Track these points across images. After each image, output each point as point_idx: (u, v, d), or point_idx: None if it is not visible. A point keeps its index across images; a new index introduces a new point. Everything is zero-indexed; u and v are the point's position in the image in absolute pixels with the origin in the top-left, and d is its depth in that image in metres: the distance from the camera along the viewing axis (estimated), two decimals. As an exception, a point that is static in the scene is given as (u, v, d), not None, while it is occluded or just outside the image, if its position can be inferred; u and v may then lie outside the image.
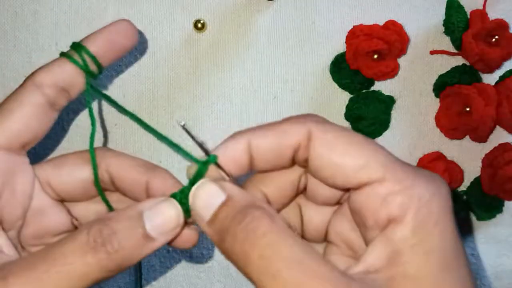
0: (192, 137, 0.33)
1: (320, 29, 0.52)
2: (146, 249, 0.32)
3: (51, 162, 0.40)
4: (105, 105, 0.53)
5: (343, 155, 0.31)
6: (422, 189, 0.29)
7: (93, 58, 0.39)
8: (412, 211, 0.29)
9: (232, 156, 0.32)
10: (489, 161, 0.53)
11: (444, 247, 0.29)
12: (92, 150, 0.39)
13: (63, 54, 0.39)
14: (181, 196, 0.33)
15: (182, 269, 0.56)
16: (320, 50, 0.53)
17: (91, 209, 0.41)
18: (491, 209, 0.55)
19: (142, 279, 0.55)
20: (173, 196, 0.33)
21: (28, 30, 0.52)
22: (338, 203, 0.35)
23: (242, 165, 0.33)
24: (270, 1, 0.52)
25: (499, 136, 0.54)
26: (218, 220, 0.30)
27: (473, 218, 0.56)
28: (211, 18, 0.52)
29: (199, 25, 0.52)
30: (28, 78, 0.38)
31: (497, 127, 0.54)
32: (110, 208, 0.41)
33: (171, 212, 0.32)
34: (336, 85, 0.53)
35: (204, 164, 0.32)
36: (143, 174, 0.38)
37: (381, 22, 0.52)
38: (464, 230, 0.56)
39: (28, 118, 0.37)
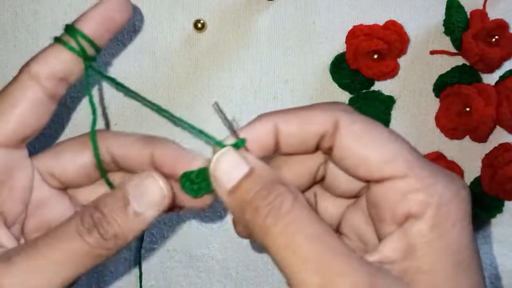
0: (225, 117, 0.33)
1: (320, 29, 0.52)
2: (137, 224, 0.33)
3: (50, 151, 0.39)
4: (104, 105, 0.53)
5: (369, 148, 0.31)
6: (443, 189, 0.30)
7: (90, 42, 0.37)
8: (432, 209, 0.29)
9: (258, 138, 0.33)
10: (489, 161, 0.53)
11: (460, 247, 0.29)
12: (93, 138, 0.38)
13: (57, 40, 0.37)
14: (197, 175, 0.33)
15: (182, 269, 0.56)
16: (320, 50, 0.53)
17: (95, 192, 0.41)
18: (491, 209, 0.55)
19: (142, 279, 0.55)
20: (188, 173, 0.33)
21: (28, 30, 0.52)
22: (355, 196, 0.35)
23: (267, 147, 0.33)
24: (270, 1, 0.52)
25: (499, 136, 0.54)
26: (240, 192, 0.30)
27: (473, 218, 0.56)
28: (211, 18, 0.52)
29: (199, 25, 0.52)
30: (23, 70, 0.37)
31: (497, 127, 0.54)
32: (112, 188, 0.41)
33: (154, 186, 0.33)
34: (336, 85, 0.53)
35: (233, 147, 0.32)
36: (145, 148, 0.37)
37: (381, 22, 0.52)
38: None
39: (27, 114, 0.36)
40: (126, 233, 0.33)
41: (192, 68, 0.53)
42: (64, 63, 0.36)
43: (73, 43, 0.36)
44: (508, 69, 0.53)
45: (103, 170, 0.39)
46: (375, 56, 0.51)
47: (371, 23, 0.52)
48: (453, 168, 0.54)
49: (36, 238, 0.33)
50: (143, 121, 0.54)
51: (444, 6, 0.52)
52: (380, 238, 0.32)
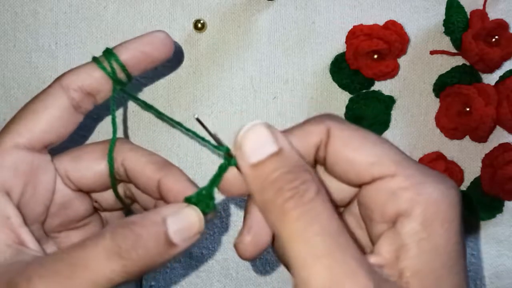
0: (208, 130, 0.34)
1: (320, 29, 0.52)
2: (168, 254, 0.32)
3: (68, 155, 0.40)
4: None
5: (358, 151, 0.32)
6: (432, 188, 0.30)
7: (122, 66, 0.39)
8: (420, 207, 0.29)
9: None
10: (489, 161, 0.53)
11: (447, 248, 0.29)
12: (111, 160, 0.39)
13: (94, 59, 0.39)
14: (197, 199, 0.33)
15: (182, 269, 0.56)
16: (320, 50, 0.53)
17: (110, 196, 0.42)
18: (491, 209, 0.55)
19: (142, 278, 0.55)
20: (189, 198, 0.33)
21: (28, 30, 0.52)
22: (347, 204, 0.36)
23: None
24: (270, 1, 0.52)
25: (499, 136, 0.54)
26: (265, 169, 0.30)
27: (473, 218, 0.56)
28: (211, 18, 0.52)
29: (199, 25, 0.52)
30: (56, 80, 0.39)
31: (497, 127, 0.54)
32: (122, 202, 0.42)
33: (194, 218, 0.32)
34: (336, 85, 0.53)
35: (228, 163, 0.32)
36: (156, 173, 0.38)
37: (381, 22, 0.52)
38: (464, 230, 0.56)
39: (52, 120, 0.38)
40: (156, 262, 0.32)
41: (192, 68, 0.53)
42: (93, 79, 0.39)
43: (106, 64, 0.39)
44: (508, 69, 0.53)
45: (115, 186, 0.40)
46: (375, 56, 0.51)
47: (371, 23, 0.52)
48: (453, 168, 0.54)
49: (58, 257, 0.32)
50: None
51: (444, 6, 0.52)
52: (372, 239, 0.32)
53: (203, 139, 0.36)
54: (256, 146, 0.30)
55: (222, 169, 0.33)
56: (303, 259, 0.28)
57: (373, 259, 0.30)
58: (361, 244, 0.35)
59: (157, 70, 0.53)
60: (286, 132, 0.33)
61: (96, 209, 0.43)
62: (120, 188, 0.42)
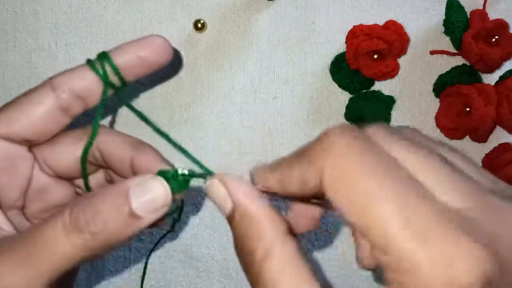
0: (196, 161, 0.33)
1: (320, 29, 0.52)
2: (132, 228, 0.31)
3: (48, 141, 0.39)
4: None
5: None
6: (459, 272, 0.23)
7: (116, 70, 0.38)
8: None
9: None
10: (489, 161, 0.53)
11: None
12: (84, 159, 0.39)
13: (88, 62, 0.38)
14: (170, 175, 0.32)
15: (182, 269, 0.56)
16: (320, 50, 0.53)
17: (92, 182, 0.41)
18: (491, 209, 0.55)
19: (144, 279, 0.55)
20: (163, 173, 0.32)
21: (28, 30, 0.52)
22: None
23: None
24: (270, 1, 0.52)
25: (499, 136, 0.54)
26: (235, 221, 0.30)
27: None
28: (211, 18, 0.52)
29: (199, 25, 0.52)
30: (48, 79, 0.38)
31: (497, 127, 0.54)
32: (88, 190, 0.41)
33: (159, 189, 0.31)
34: (336, 85, 0.53)
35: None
36: (128, 151, 0.37)
37: (381, 22, 0.52)
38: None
39: (33, 116, 0.37)
40: (119, 235, 0.30)
41: (192, 68, 0.53)
42: (85, 82, 0.37)
43: (98, 66, 0.37)
44: (508, 69, 0.53)
45: (84, 169, 0.39)
46: (375, 56, 0.51)
47: (371, 23, 0.52)
48: (453, 168, 0.54)
49: (21, 234, 0.32)
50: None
51: (444, 6, 0.52)
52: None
53: (190, 157, 0.35)
54: (221, 202, 0.30)
55: (203, 176, 0.32)
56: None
57: None
58: None
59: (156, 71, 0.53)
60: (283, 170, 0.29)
61: (80, 195, 0.43)
62: (101, 174, 0.41)
